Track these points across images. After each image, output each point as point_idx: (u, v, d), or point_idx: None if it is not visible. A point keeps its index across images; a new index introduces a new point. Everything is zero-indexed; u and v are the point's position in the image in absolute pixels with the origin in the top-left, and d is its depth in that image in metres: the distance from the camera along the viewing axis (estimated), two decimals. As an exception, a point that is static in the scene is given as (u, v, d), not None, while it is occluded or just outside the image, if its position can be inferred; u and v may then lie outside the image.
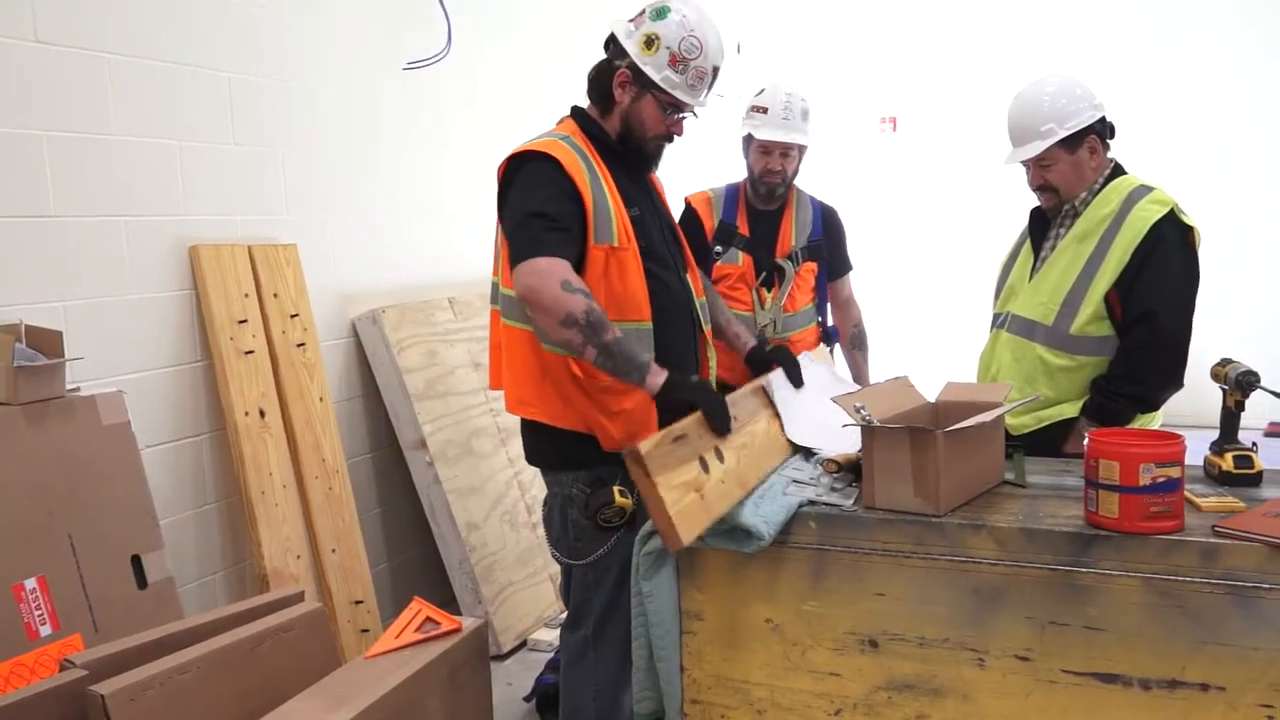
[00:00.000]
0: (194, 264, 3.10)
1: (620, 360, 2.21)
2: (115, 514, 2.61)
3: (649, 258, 2.43)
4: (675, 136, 2.52)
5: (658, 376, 2.21)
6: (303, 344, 3.40)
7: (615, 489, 2.25)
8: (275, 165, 3.43)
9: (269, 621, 2.32)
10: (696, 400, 2.13)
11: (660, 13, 2.39)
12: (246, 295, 3.22)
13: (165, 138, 3.03)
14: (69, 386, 2.61)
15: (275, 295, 3.33)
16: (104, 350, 2.86)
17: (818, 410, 2.39)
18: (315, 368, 3.44)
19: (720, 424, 2.09)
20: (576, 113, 2.54)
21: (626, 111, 2.44)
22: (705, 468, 2.01)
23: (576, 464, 2.43)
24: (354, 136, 3.76)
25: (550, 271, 2.20)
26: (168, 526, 2.93)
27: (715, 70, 2.47)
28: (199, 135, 3.14)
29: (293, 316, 3.38)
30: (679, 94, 2.42)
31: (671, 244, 2.58)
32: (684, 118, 2.50)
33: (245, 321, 3.20)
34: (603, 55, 2.50)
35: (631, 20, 2.44)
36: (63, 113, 2.76)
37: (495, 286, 2.50)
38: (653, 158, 2.55)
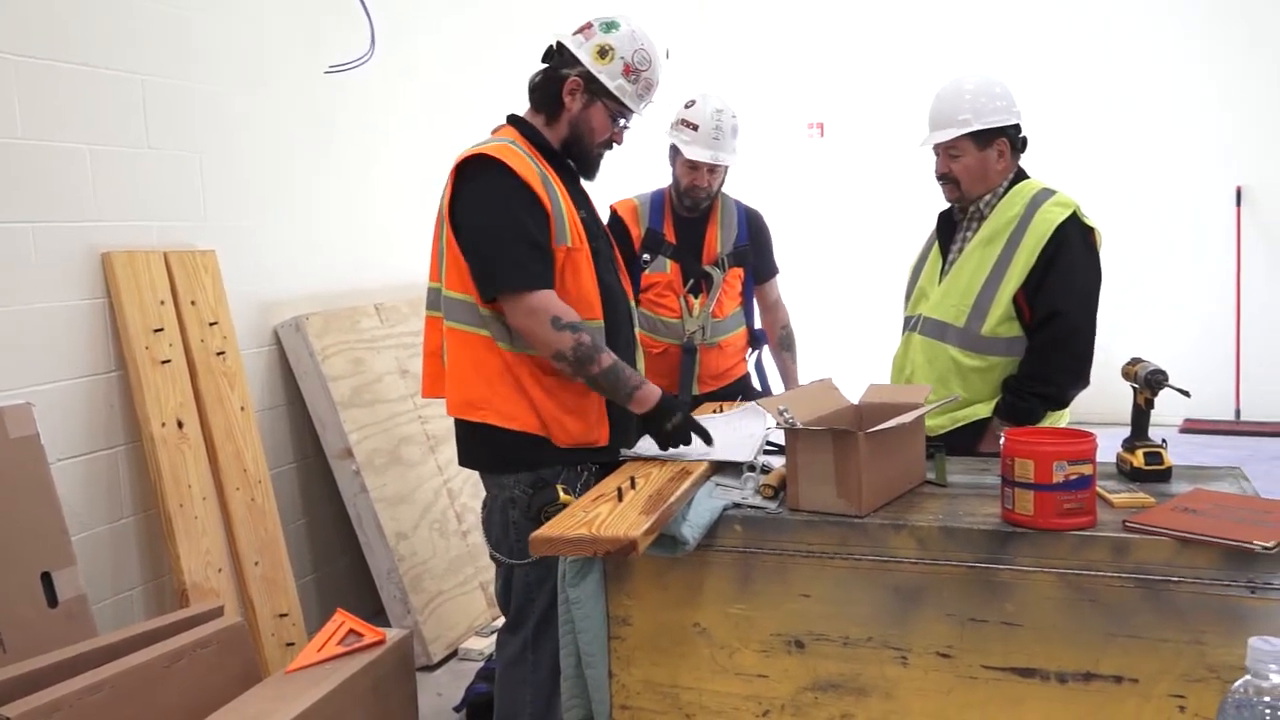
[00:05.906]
0: (106, 271, 3.02)
1: (607, 388, 2.34)
2: (23, 530, 2.53)
3: (597, 259, 2.46)
4: (616, 144, 2.56)
5: (645, 402, 2.34)
6: (222, 352, 3.33)
7: (559, 487, 2.29)
8: (192, 170, 3.35)
9: (186, 638, 2.27)
10: (681, 438, 2.34)
11: (611, 25, 2.45)
12: (162, 303, 3.14)
13: (74, 142, 2.95)
14: (-27, 399, 2.52)
15: (193, 303, 3.25)
16: (11, 361, 2.76)
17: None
18: (236, 376, 3.37)
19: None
20: (516, 120, 2.53)
21: (576, 118, 2.46)
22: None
23: (519, 466, 2.42)
24: (275, 140, 3.69)
25: (543, 308, 2.28)
26: (81, 542, 2.84)
27: (658, 83, 2.53)
28: (111, 139, 3.06)
29: (212, 324, 3.30)
30: (629, 102, 2.47)
31: (608, 249, 2.60)
32: (626, 127, 2.55)
33: (161, 330, 3.12)
34: (535, 61, 2.51)
35: (579, 33, 2.46)
36: (-35, 115, 2.67)
37: (434, 291, 2.46)
38: (596, 165, 2.57)
